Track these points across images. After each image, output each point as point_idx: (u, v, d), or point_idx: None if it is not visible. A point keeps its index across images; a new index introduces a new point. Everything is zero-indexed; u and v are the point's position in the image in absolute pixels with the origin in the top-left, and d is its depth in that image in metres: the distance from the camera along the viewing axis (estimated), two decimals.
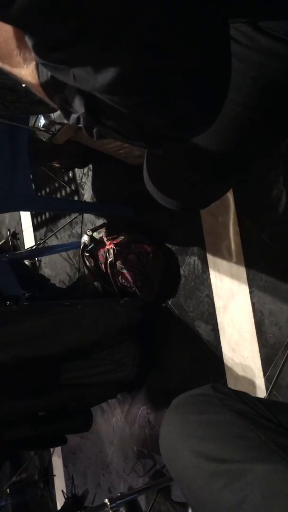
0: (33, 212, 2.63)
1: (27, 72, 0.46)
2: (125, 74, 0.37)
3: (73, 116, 0.47)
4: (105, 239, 1.69)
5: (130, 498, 1.34)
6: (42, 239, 2.51)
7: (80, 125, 0.47)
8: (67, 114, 0.48)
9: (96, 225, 1.96)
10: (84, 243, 1.74)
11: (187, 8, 0.35)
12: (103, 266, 1.69)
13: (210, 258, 1.49)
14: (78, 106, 0.44)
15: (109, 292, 1.75)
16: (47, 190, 2.34)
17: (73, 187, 2.18)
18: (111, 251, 1.63)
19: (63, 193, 2.24)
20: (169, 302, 1.66)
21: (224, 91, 0.44)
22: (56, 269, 2.43)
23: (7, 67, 0.47)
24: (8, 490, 2.69)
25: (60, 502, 2.45)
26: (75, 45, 0.36)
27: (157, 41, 0.36)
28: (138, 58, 0.36)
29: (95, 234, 1.74)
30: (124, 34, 0.35)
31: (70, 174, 2.19)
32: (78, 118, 0.47)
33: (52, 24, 0.34)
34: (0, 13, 0.35)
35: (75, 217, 2.23)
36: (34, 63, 0.46)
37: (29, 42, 0.39)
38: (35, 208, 2.13)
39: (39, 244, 2.53)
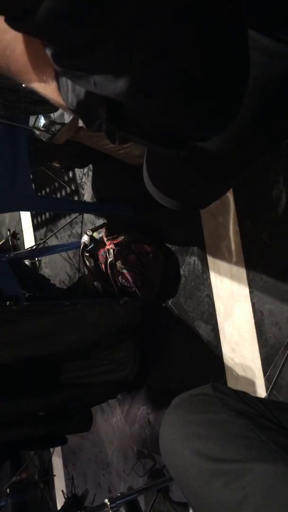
0: (33, 212, 2.63)
1: (46, 84, 0.47)
2: (144, 78, 0.37)
3: (94, 124, 0.47)
4: (105, 239, 1.69)
5: (130, 498, 1.33)
6: (42, 239, 2.51)
7: (102, 131, 0.48)
8: (88, 121, 0.48)
9: (96, 225, 1.96)
10: (84, 243, 1.74)
11: (202, 13, 0.36)
12: (103, 266, 1.69)
13: (210, 258, 1.49)
14: (100, 112, 0.45)
15: (109, 292, 1.75)
16: (47, 190, 2.34)
17: (73, 187, 2.18)
18: (111, 251, 1.63)
19: (63, 193, 2.24)
20: (169, 302, 1.66)
21: (240, 94, 0.44)
22: (56, 269, 2.43)
23: (26, 81, 0.48)
24: (8, 490, 2.68)
25: (60, 502, 2.45)
26: (94, 52, 0.36)
27: (173, 47, 0.36)
28: (155, 63, 0.37)
29: (95, 234, 1.74)
30: (141, 40, 0.35)
31: (70, 174, 2.19)
32: (100, 124, 0.47)
33: (71, 31, 0.35)
34: (21, 24, 0.35)
35: (75, 217, 2.23)
36: (54, 74, 0.46)
37: (48, 52, 0.39)
38: (35, 208, 2.13)
39: (39, 244, 2.53)
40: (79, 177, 2.14)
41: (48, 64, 0.44)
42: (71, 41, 0.36)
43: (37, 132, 1.49)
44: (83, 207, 2.06)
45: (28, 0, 0.33)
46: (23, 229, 2.77)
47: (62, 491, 2.42)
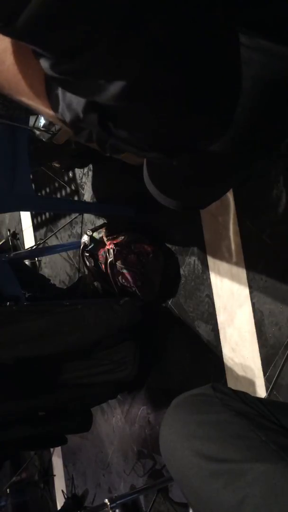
0: (33, 212, 2.63)
1: (36, 95, 0.46)
2: (135, 82, 0.37)
3: (84, 133, 0.47)
4: (105, 239, 1.69)
5: (130, 498, 1.34)
6: (42, 239, 2.51)
7: (92, 141, 0.47)
8: (78, 131, 0.48)
9: (96, 225, 1.96)
10: (84, 243, 1.74)
11: (197, 16, 0.35)
12: (103, 266, 1.69)
13: (210, 258, 1.49)
14: (91, 120, 0.44)
15: (109, 292, 1.75)
16: (47, 190, 2.34)
17: (73, 187, 2.18)
18: (111, 251, 1.63)
19: (63, 193, 2.24)
20: (169, 302, 1.66)
21: (235, 98, 0.44)
22: (56, 269, 2.43)
23: (15, 92, 0.47)
24: (8, 490, 2.69)
25: (60, 502, 2.45)
26: (84, 55, 0.36)
27: (167, 50, 0.36)
28: (146, 67, 0.37)
29: (95, 234, 1.74)
30: (131, 43, 0.35)
31: (70, 174, 2.19)
32: (89, 134, 0.47)
33: (59, 34, 0.35)
34: (6, 29, 0.35)
35: (75, 217, 2.23)
36: (43, 86, 0.46)
37: (39, 57, 0.39)
38: (35, 208, 2.13)
39: (39, 244, 2.53)
40: (79, 177, 2.14)
41: (38, 75, 0.44)
42: (60, 43, 0.36)
43: (37, 132, 1.49)
44: (83, 207, 2.06)
45: (11, 5, 0.33)
46: (23, 229, 2.77)
47: (62, 491, 2.42)
